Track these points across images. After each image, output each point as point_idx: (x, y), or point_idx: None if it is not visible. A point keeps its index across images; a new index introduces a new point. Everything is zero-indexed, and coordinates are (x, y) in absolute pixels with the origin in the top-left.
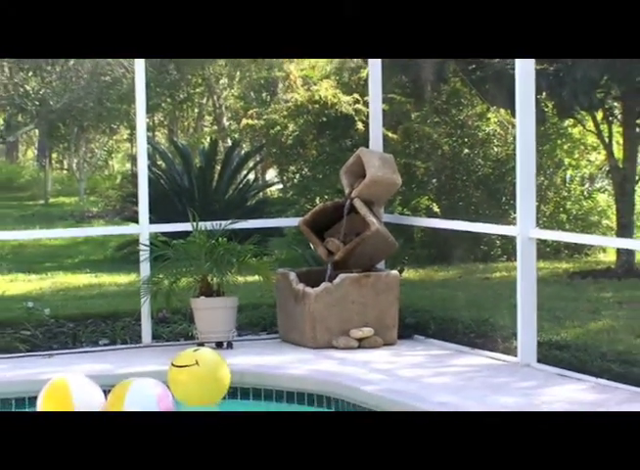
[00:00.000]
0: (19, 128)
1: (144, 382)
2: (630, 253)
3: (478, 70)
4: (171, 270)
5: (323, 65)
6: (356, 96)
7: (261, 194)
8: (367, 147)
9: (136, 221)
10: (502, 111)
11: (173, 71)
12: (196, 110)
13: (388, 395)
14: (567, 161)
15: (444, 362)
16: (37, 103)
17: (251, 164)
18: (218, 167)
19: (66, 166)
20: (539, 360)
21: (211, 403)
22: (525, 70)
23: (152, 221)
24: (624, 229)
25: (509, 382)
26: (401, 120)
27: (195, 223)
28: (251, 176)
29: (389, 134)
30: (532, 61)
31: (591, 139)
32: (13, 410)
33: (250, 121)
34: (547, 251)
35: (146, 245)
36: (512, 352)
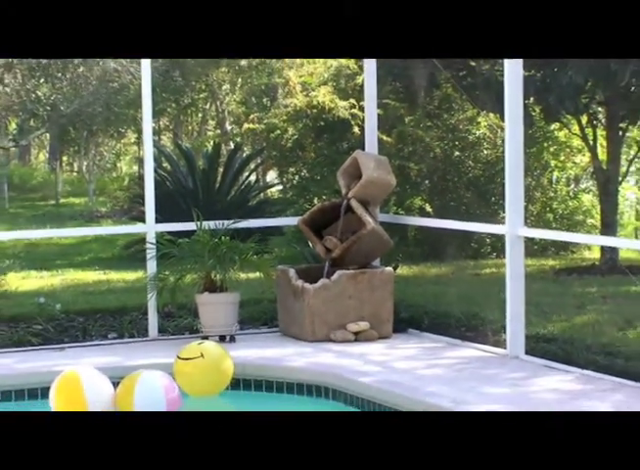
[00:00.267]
0: (31, 132)
1: (152, 374)
2: (614, 250)
3: (468, 77)
4: (176, 267)
5: (321, 71)
6: (352, 101)
7: (262, 195)
8: (363, 150)
9: (143, 221)
10: (491, 115)
11: (178, 78)
12: (199, 114)
13: (384, 386)
14: (553, 163)
15: (437, 355)
16: (48, 108)
17: (252, 166)
18: (221, 169)
19: (75, 169)
20: (527, 353)
21: (215, 394)
22: (513, 77)
23: (158, 221)
24: (608, 228)
25: (498, 373)
26: (395, 124)
27: (199, 223)
28: (253, 178)
29: (384, 137)
30: (520, 67)
31: (576, 142)
32: (25, 401)
33: (251, 126)
34: (534, 248)
35: (152, 243)
36: (501, 344)
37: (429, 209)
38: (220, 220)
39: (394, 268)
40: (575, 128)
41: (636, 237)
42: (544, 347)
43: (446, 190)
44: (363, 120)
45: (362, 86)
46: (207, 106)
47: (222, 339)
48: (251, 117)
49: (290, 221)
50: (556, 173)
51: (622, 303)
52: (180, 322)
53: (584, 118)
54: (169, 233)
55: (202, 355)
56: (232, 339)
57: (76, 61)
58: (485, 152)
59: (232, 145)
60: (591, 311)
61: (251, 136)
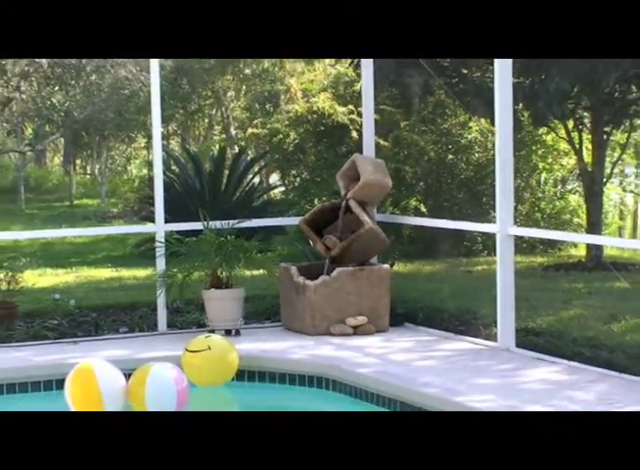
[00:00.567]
0: (46, 137)
1: (162, 366)
2: (599, 247)
3: (460, 84)
4: (184, 265)
5: (321, 79)
6: (351, 107)
7: (265, 196)
8: (361, 153)
9: (152, 221)
10: (482, 120)
11: (185, 86)
12: (206, 120)
13: (381, 377)
14: (541, 165)
15: (431, 347)
16: (63, 114)
17: (256, 168)
18: (226, 172)
19: (88, 172)
20: (517, 345)
21: (221, 384)
22: (503, 83)
23: (167, 221)
24: (593, 226)
25: (490, 365)
26: (391, 129)
27: (205, 222)
28: (256, 180)
29: (381, 142)
30: (510, 74)
31: (563, 145)
32: (41, 392)
33: (254, 130)
34: (524, 246)
35: (161, 242)
36: (492, 337)
37: (423, 209)
38: (226, 220)
39: (391, 266)
40: (562, 132)
41: (620, 235)
42: (533, 340)
43: (440, 191)
44: (361, 125)
45: (360, 93)
46: (213, 112)
47: (228, 333)
48: (255, 122)
49: (292, 221)
50: (544, 175)
51: (607, 298)
52: (188, 317)
53: (570, 123)
54: (178, 232)
55: (209, 348)
56: (237, 332)
57: (89, 69)
58: (477, 155)
59: (237, 149)
60: (577, 306)
61: (255, 140)
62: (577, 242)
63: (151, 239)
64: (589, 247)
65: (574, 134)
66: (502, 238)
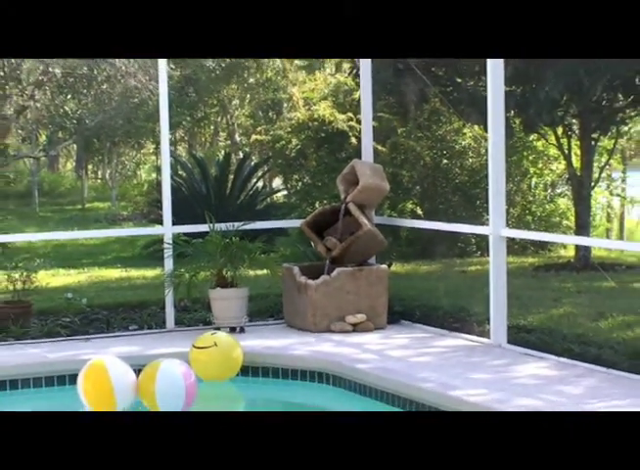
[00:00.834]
0: (59, 144)
1: (171, 362)
2: (587, 249)
3: (454, 92)
4: (191, 265)
5: (322, 87)
6: (350, 115)
7: (269, 199)
8: (360, 158)
9: (160, 223)
10: (476, 127)
11: (192, 94)
12: (212, 127)
13: (379, 372)
14: (532, 170)
15: (427, 344)
16: (75, 122)
17: (259, 173)
18: (231, 176)
19: (100, 176)
20: (509, 342)
21: (227, 379)
22: (495, 92)
23: (174, 223)
24: (582, 228)
25: (483, 361)
26: (389, 136)
27: (211, 225)
28: (260, 184)
29: (379, 147)
30: (502, 83)
31: (553, 151)
32: (55, 387)
33: (258, 137)
34: (515, 247)
35: (169, 243)
36: (485, 334)
37: (419, 211)
38: (231, 223)
39: (389, 266)
40: (552, 139)
41: (607, 237)
42: (524, 336)
43: (435, 195)
44: (360, 132)
45: (359, 101)
46: (219, 119)
47: (233, 330)
48: (259, 129)
49: (294, 223)
50: (534, 179)
51: (595, 296)
52: (195, 315)
53: (560, 130)
54: (185, 234)
55: (215, 345)
56: (242, 330)
57: (100, 78)
58: (470, 160)
59: (241, 154)
60: (567, 304)
61: (259, 146)
62: (567, 243)
63: (159, 240)
64: (578, 248)
65: (564, 140)
66: (495, 239)
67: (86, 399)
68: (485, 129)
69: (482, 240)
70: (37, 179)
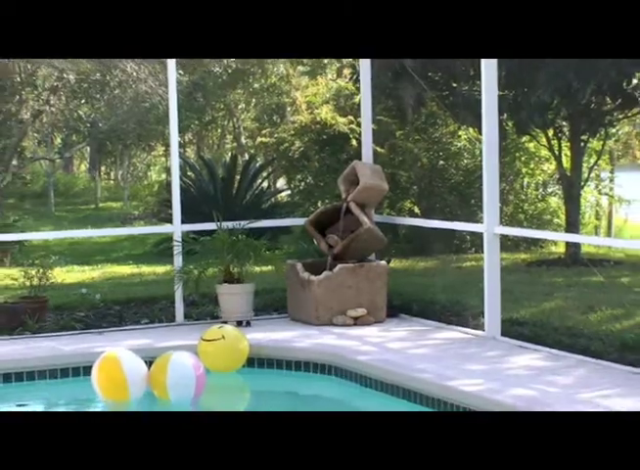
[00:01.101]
0: (73, 146)
1: (181, 354)
2: (577, 245)
3: (450, 96)
4: (199, 262)
5: (323, 92)
6: (351, 118)
7: (273, 199)
8: (360, 159)
9: (170, 222)
10: (471, 129)
11: (200, 99)
12: (219, 130)
13: (379, 363)
14: (524, 170)
15: (425, 336)
16: (89, 125)
17: (264, 174)
18: (238, 177)
19: (112, 177)
20: (503, 334)
21: (233, 370)
22: (489, 96)
23: (183, 222)
24: (572, 226)
25: (478, 352)
26: (388, 138)
27: (219, 223)
28: (265, 184)
29: (378, 149)
30: (496, 88)
31: (544, 152)
32: (70, 378)
33: (263, 139)
34: (508, 244)
35: (178, 241)
36: (480, 327)
37: (417, 210)
38: (237, 221)
39: (388, 262)
40: (543, 140)
41: (596, 234)
42: (517, 329)
43: (432, 194)
44: (360, 134)
45: (359, 105)
46: (226, 122)
47: (239, 323)
48: (264, 131)
49: (297, 222)
50: (526, 179)
51: (584, 291)
52: (203, 309)
53: (551, 132)
54: (193, 232)
55: (222, 337)
56: (248, 323)
57: (112, 84)
58: (466, 161)
59: (247, 156)
60: (558, 298)
61: (264, 148)
62: (557, 240)
63: (169, 238)
64: (568, 244)
65: (554, 142)
66: (489, 237)
67: (100, 389)
68: (480, 132)
69: (477, 237)
70: (53, 180)
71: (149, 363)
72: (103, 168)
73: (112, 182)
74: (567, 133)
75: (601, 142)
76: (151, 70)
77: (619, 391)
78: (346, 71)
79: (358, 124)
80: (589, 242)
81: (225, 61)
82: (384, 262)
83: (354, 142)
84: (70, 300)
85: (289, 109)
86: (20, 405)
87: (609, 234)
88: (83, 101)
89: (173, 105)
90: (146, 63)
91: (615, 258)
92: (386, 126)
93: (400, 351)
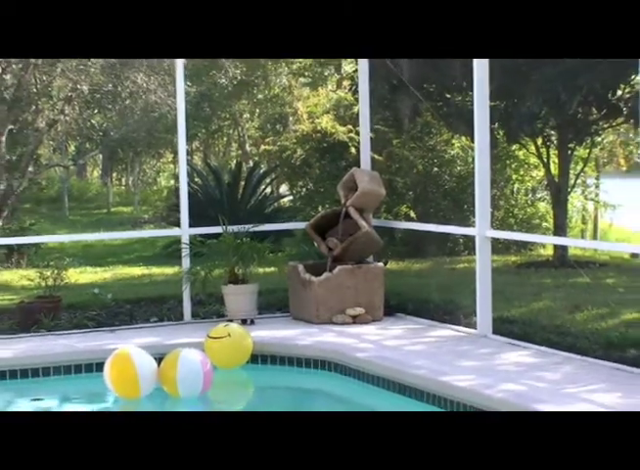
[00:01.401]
0: (86, 154)
1: (190, 351)
2: (564, 248)
3: (444, 107)
4: (206, 263)
5: (324, 102)
6: (350, 127)
7: (276, 204)
8: (358, 167)
9: (178, 225)
10: (463, 138)
11: (207, 108)
12: (225, 138)
13: (376, 360)
14: (514, 176)
15: (420, 334)
16: (101, 134)
17: (268, 180)
18: (242, 183)
19: (123, 183)
20: (494, 332)
21: (238, 366)
22: (481, 106)
23: (191, 225)
24: (559, 230)
25: (470, 349)
26: (385, 146)
27: (224, 227)
28: (268, 190)
29: (376, 157)
30: (487, 98)
31: (533, 160)
32: (83, 374)
33: (267, 147)
34: (499, 247)
35: (186, 244)
36: (472, 325)
37: (412, 215)
38: (242, 225)
39: (385, 264)
40: (532, 148)
41: (582, 237)
42: (507, 327)
43: (427, 199)
44: (359, 143)
45: (357, 115)
46: (231, 131)
47: (244, 322)
48: (267, 140)
49: (299, 225)
50: (516, 185)
51: (571, 291)
52: (209, 308)
53: (539, 140)
54: (200, 235)
55: (228, 335)
56: (252, 322)
57: (123, 94)
58: (459, 168)
59: (251, 163)
60: (546, 298)
61: (267, 156)
62: (546, 243)
63: (177, 241)
64: (556, 247)
65: (543, 150)
66: (480, 240)
67: (113, 385)
68: (472, 140)
69: (469, 240)
70: (67, 186)
71: (158, 360)
72: (114, 175)
73: (123, 188)
74: (554, 142)
75: (587, 150)
76: (160, 82)
77: (604, 386)
78: (346, 83)
79: (357, 133)
80: (576, 245)
81: (231, 73)
82: (381, 264)
83: (353, 150)
84: (84, 299)
85: (291, 118)
86: (35, 400)
87: (594, 237)
88: (96, 111)
89: (181, 114)
90: (155, 74)
91: (600, 260)
92: (383, 135)
93: (397, 348)
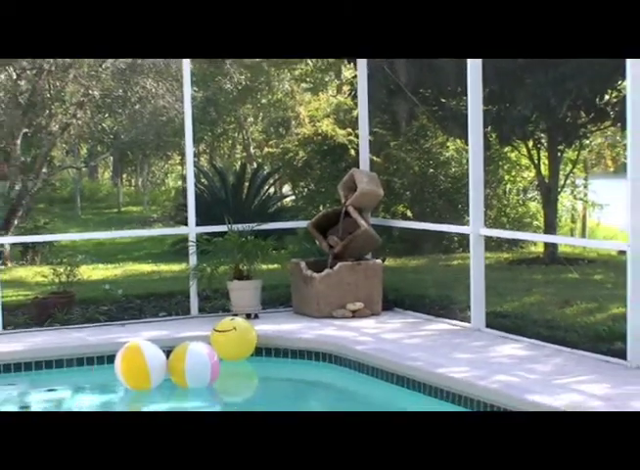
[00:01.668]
0: (98, 156)
1: (198, 344)
2: (554, 245)
3: (439, 111)
4: (212, 260)
5: (324, 107)
6: (349, 130)
7: (279, 203)
8: (358, 168)
9: (185, 224)
10: (458, 140)
11: (213, 113)
12: (230, 141)
13: (375, 352)
14: (506, 177)
15: (417, 328)
16: (111, 137)
17: (271, 181)
18: (247, 184)
19: (133, 184)
20: (487, 326)
21: (243, 359)
22: (474, 110)
23: (197, 224)
24: (549, 228)
25: (465, 342)
26: (383, 148)
27: (229, 225)
28: (272, 190)
29: (374, 158)
30: (480, 103)
31: (524, 161)
32: (95, 365)
33: (270, 149)
34: (492, 244)
35: (193, 242)
36: (466, 319)
37: (409, 214)
38: (246, 224)
39: (383, 261)
40: (524, 150)
41: (571, 235)
42: (500, 321)
43: (423, 199)
44: (358, 145)
45: (357, 118)
46: (236, 134)
47: (248, 316)
48: (270, 142)
49: (301, 224)
50: (508, 186)
51: (561, 287)
52: (215, 303)
53: (530, 143)
54: (207, 234)
55: (234, 329)
56: (256, 316)
57: (133, 99)
58: (453, 169)
59: (255, 165)
60: (537, 293)
61: (270, 158)
62: (536, 241)
63: (184, 239)
64: (546, 245)
65: (534, 152)
66: (474, 238)
67: (124, 377)
68: (466, 142)
69: (464, 238)
70: (79, 187)
71: (167, 352)
72: (124, 176)
73: (132, 188)
74: (545, 144)
75: (576, 152)
76: (168, 87)
77: (592, 377)
78: (345, 88)
79: (356, 136)
80: (565, 242)
81: (235, 78)
82: (379, 261)
83: (352, 152)
84: (95, 294)
85: (293, 122)
86: (50, 390)
87: (583, 235)
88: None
89: (188, 118)
90: (163, 80)
91: (588, 257)
92: (381, 138)
93: (394, 341)
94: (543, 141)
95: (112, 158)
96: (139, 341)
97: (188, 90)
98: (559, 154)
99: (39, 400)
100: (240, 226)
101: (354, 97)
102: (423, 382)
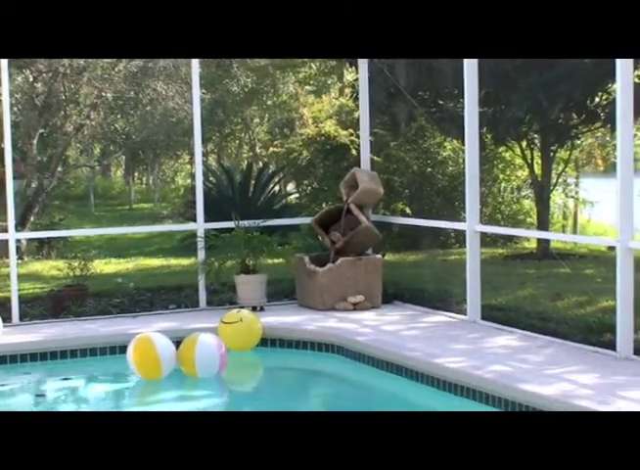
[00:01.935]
0: (110, 155)
1: (206, 335)
2: (547, 241)
3: (437, 112)
4: (220, 255)
5: (327, 108)
6: (351, 131)
7: (284, 201)
8: (359, 167)
9: (194, 220)
10: (455, 141)
11: (221, 114)
12: (237, 141)
13: (375, 343)
14: (501, 176)
15: (415, 320)
16: (124, 137)
17: (276, 179)
18: (253, 182)
19: (144, 182)
20: (482, 318)
21: (249, 349)
22: (471, 112)
23: (206, 220)
24: (542, 224)
25: (461, 334)
26: (383, 148)
27: (236, 222)
28: (277, 188)
29: (375, 158)
30: (476, 105)
31: (518, 161)
32: (107, 356)
33: (275, 149)
34: (487, 240)
35: (202, 237)
36: (463, 312)
37: (408, 211)
38: (252, 220)
39: (383, 256)
40: (517, 150)
41: (563, 231)
42: (495, 314)
43: (421, 197)
44: (359, 145)
45: (358, 119)
46: (243, 135)
47: (254, 309)
48: (275, 143)
49: (304, 221)
50: (503, 184)
51: (553, 281)
52: (223, 296)
53: (524, 143)
54: (214, 230)
55: (240, 320)
56: (262, 309)
57: (144, 101)
58: (450, 168)
59: (261, 164)
60: (530, 287)
61: (275, 157)
62: (530, 237)
63: (193, 235)
64: (539, 240)
65: (527, 152)
66: (470, 234)
67: (136, 367)
68: (463, 143)
69: (460, 234)
70: (93, 184)
71: (177, 343)
72: (136, 174)
73: (144, 186)
74: (538, 144)
75: (567, 152)
76: (178, 89)
77: (583, 368)
78: (347, 91)
79: (357, 136)
80: (557, 238)
81: (242, 81)
82: (379, 256)
83: (354, 152)
84: (108, 288)
85: (297, 123)
86: (64, 379)
87: (574, 232)
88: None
89: (197, 119)
90: (173, 83)
91: (579, 252)
92: (381, 138)
93: (394, 332)
94: (536, 141)
95: (124, 157)
96: (150, 332)
97: (197, 92)
98: (551, 154)
99: (54, 389)
100: (246, 222)
101: (356, 99)
102: (421, 372)
